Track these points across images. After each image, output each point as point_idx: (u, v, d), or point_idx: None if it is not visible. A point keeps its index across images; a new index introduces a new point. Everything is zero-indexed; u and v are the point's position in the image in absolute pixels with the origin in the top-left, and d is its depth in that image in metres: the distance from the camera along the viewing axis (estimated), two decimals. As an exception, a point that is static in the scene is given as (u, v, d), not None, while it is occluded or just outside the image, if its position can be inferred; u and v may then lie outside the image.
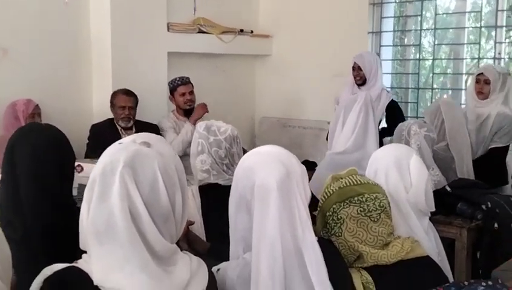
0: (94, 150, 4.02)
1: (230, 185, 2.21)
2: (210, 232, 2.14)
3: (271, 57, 6.12)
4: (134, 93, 4.48)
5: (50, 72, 4.52)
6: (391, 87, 5.86)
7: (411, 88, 5.63)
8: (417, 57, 5.61)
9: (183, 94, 4.64)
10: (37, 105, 4.19)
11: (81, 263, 1.32)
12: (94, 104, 4.82)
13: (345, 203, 1.76)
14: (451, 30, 6.42)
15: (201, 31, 5.38)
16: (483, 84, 4.16)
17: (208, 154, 2.32)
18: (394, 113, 4.69)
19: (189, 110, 4.67)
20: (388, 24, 5.68)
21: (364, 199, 1.74)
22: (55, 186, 1.86)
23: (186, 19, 5.21)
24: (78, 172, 2.76)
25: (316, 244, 1.56)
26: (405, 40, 6.08)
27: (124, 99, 4.41)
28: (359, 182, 1.79)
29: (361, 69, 4.81)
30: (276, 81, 6.05)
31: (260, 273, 1.52)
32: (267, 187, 1.56)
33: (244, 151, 2.26)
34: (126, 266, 1.25)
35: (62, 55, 4.61)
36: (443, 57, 6.35)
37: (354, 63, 4.82)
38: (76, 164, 2.34)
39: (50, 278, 1.29)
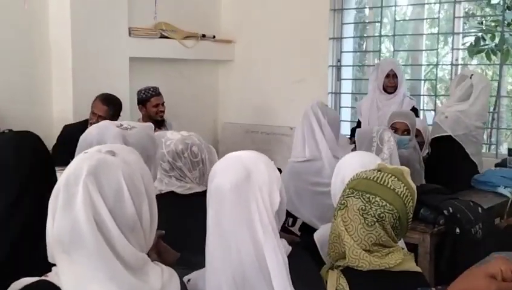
0: (62, 153, 3.83)
1: (187, 195, 2.23)
2: (173, 242, 2.12)
3: (233, 62, 6.11)
4: (113, 102, 4.24)
5: (8, 79, 4.41)
6: (352, 93, 5.95)
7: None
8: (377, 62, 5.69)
9: (157, 105, 4.58)
10: (-5, 112, 4.10)
11: (51, 276, 1.29)
12: (54, 111, 4.73)
13: (356, 193, 1.74)
14: (408, 36, 6.56)
15: (163, 36, 5.35)
16: None
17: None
18: None
19: (159, 121, 4.60)
20: (349, 30, 5.75)
21: (372, 201, 1.71)
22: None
23: (147, 23, 5.17)
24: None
25: (278, 249, 1.52)
26: (363, 46, 6.17)
27: (97, 106, 4.21)
28: (385, 184, 1.73)
29: (396, 76, 4.60)
30: (239, 87, 6.05)
31: (214, 273, 1.52)
32: (221, 189, 1.55)
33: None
34: (96, 277, 1.23)
35: (21, 62, 4.51)
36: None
37: (391, 70, 4.59)
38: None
39: (19, 294, 1.25)
